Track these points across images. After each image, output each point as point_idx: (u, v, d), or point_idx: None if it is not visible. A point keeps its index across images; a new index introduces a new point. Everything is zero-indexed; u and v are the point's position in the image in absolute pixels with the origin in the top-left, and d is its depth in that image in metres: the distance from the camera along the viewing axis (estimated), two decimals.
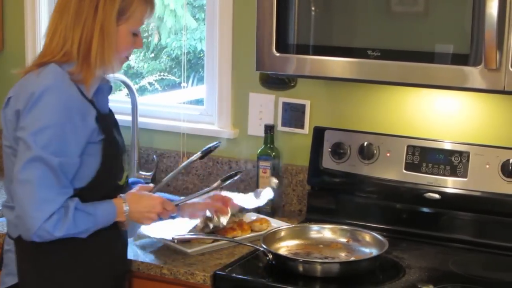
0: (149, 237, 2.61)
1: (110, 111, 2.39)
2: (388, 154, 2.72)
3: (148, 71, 5.12)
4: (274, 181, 2.86)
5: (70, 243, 2.19)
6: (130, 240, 2.54)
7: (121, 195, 2.30)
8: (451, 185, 2.63)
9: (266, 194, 2.77)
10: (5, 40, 3.55)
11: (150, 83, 4.92)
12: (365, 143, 2.75)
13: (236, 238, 2.59)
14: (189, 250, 2.49)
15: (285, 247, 2.52)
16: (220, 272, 2.36)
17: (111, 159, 2.26)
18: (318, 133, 2.85)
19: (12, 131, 2.20)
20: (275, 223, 2.75)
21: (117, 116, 2.49)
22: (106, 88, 2.34)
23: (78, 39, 2.19)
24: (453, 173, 2.63)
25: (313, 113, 2.95)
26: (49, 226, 2.11)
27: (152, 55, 5.27)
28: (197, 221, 2.60)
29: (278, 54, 2.53)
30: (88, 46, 2.19)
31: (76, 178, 2.18)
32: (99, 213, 2.21)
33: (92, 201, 2.21)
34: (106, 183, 2.27)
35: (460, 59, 2.27)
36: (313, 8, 2.49)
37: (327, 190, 2.86)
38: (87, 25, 2.19)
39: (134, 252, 2.52)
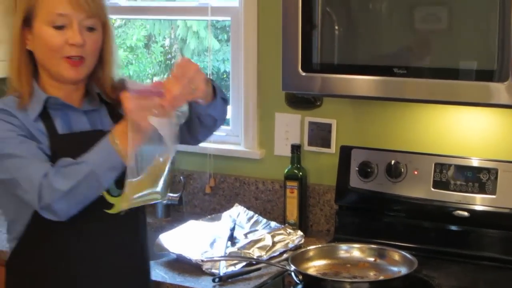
0: (172, 253, 2.63)
1: None
2: (415, 172, 2.71)
3: None
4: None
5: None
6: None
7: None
8: (480, 202, 2.61)
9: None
10: None
11: None
12: (393, 162, 2.73)
13: (263, 259, 2.59)
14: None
15: (313, 267, 2.50)
16: None
17: None
18: (345, 152, 2.84)
19: None
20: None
21: None
22: None
23: None
24: (482, 190, 2.61)
25: (339, 132, 2.94)
26: None
27: None
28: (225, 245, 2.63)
29: (304, 74, 2.53)
30: None
31: None
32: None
33: None
34: None
35: (486, 75, 2.26)
36: (337, 27, 2.49)
37: (355, 210, 2.84)
38: None
39: (161, 273, 2.52)
